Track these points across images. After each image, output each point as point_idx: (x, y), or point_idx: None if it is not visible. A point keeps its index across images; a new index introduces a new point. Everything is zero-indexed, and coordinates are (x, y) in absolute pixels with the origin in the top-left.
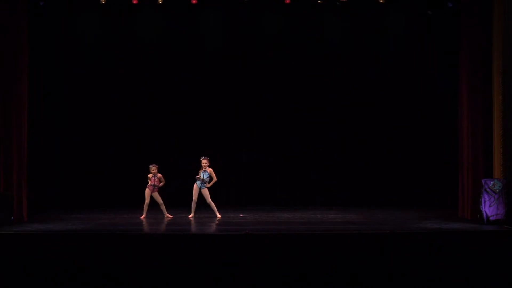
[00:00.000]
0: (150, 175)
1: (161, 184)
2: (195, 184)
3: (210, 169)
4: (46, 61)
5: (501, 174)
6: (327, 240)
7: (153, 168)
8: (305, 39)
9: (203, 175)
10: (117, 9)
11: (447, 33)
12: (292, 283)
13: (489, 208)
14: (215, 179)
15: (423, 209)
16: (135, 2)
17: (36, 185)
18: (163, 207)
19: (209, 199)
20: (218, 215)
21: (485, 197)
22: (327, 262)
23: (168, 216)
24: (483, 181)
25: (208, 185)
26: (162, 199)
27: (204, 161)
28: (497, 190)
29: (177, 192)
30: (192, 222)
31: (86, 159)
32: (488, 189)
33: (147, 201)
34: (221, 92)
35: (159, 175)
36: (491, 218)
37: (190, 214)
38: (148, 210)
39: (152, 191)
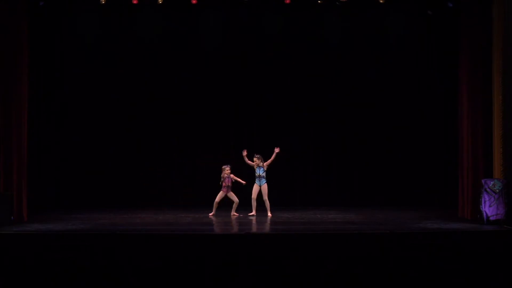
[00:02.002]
0: (224, 175)
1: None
2: (254, 184)
3: (264, 163)
4: (46, 61)
5: (501, 174)
6: (327, 240)
7: (228, 169)
8: (305, 39)
9: (258, 171)
10: (117, 9)
11: (447, 33)
12: (292, 283)
13: (489, 208)
14: (271, 159)
15: (423, 209)
16: (135, 2)
17: (36, 185)
18: (236, 205)
19: (266, 197)
20: (270, 214)
21: (485, 197)
22: (327, 262)
23: (234, 214)
24: (483, 181)
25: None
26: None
27: (255, 159)
28: (497, 190)
29: (177, 192)
30: (254, 220)
31: (86, 159)
32: (488, 189)
33: (219, 199)
34: (221, 92)
35: (232, 175)
36: (491, 218)
37: (251, 212)
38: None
39: (227, 192)
